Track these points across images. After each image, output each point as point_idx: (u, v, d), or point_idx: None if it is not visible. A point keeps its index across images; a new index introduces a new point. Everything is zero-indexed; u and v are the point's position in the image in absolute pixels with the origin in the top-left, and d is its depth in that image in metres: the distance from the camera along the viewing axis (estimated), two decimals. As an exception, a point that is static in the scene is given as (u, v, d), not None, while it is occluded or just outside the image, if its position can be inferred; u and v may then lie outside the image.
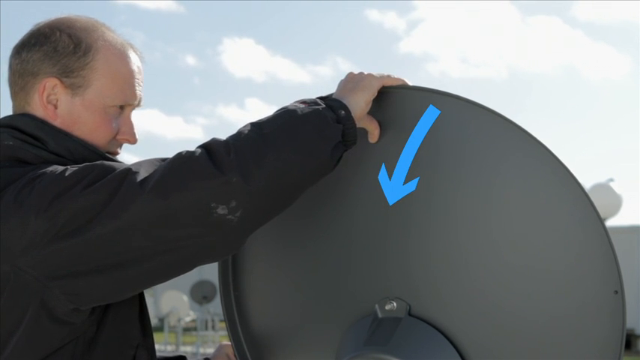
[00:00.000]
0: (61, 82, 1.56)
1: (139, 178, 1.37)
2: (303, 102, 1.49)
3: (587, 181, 15.45)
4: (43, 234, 1.37)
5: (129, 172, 1.39)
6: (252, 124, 1.45)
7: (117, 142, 1.63)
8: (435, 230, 1.59)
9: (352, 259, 1.68)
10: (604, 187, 14.39)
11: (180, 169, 1.37)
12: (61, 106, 1.57)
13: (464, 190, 1.56)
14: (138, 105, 1.64)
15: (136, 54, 1.64)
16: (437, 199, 1.59)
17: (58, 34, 1.57)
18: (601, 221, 1.45)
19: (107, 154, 1.58)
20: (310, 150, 1.42)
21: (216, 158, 1.37)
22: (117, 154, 1.63)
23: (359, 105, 1.53)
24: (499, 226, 1.54)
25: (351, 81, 1.57)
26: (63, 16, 1.62)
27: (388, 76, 1.59)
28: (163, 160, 1.43)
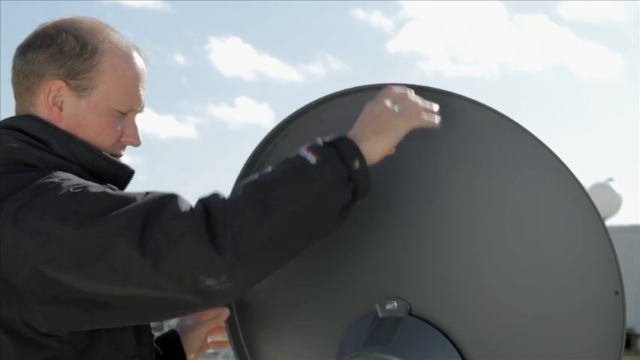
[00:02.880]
0: (67, 84, 1.55)
1: (136, 233, 1.33)
2: (315, 149, 1.39)
3: (586, 180, 15.45)
4: (33, 258, 1.36)
5: (129, 223, 1.34)
6: (255, 184, 1.38)
7: (121, 145, 1.62)
8: (435, 230, 1.59)
9: (353, 259, 1.68)
10: (604, 187, 14.40)
11: (176, 235, 1.32)
12: (66, 108, 1.56)
13: (464, 189, 1.56)
14: (141, 110, 1.64)
15: (141, 56, 1.64)
16: (437, 199, 1.59)
17: (64, 35, 1.56)
18: (602, 221, 1.45)
19: (111, 157, 1.58)
20: (314, 218, 1.36)
21: (213, 230, 1.32)
22: (120, 155, 1.63)
23: (377, 151, 1.43)
24: (499, 226, 1.54)
25: (377, 119, 1.45)
26: (67, 16, 1.61)
27: (419, 116, 1.48)
28: (165, 198, 1.38)
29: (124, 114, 1.60)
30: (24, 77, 1.57)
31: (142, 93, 1.62)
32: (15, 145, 1.50)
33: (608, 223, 14.28)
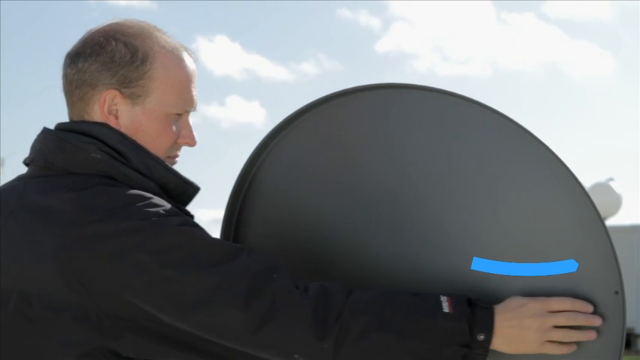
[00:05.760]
0: (121, 92, 1.54)
1: (240, 294, 1.39)
2: (454, 301, 1.45)
3: (586, 180, 15.44)
4: (132, 291, 1.39)
5: (235, 283, 1.40)
6: (384, 297, 1.46)
7: (177, 146, 1.62)
8: (436, 229, 1.59)
9: (353, 259, 1.68)
10: (604, 187, 14.41)
11: (284, 308, 1.41)
12: (122, 116, 1.55)
13: (465, 190, 1.56)
14: (194, 110, 1.64)
15: (190, 56, 1.63)
16: (439, 199, 1.59)
17: (113, 43, 1.55)
18: (602, 221, 1.45)
19: (180, 174, 1.58)
20: (415, 357, 1.42)
21: (323, 316, 1.40)
22: (176, 156, 1.63)
23: (502, 343, 1.45)
24: (500, 226, 1.54)
25: (530, 317, 1.45)
26: (114, 21, 1.60)
27: (563, 348, 1.47)
28: (274, 266, 1.44)
29: (179, 115, 1.60)
30: (76, 87, 1.56)
31: (194, 93, 1.62)
32: (99, 157, 1.50)
33: (608, 223, 14.27)
